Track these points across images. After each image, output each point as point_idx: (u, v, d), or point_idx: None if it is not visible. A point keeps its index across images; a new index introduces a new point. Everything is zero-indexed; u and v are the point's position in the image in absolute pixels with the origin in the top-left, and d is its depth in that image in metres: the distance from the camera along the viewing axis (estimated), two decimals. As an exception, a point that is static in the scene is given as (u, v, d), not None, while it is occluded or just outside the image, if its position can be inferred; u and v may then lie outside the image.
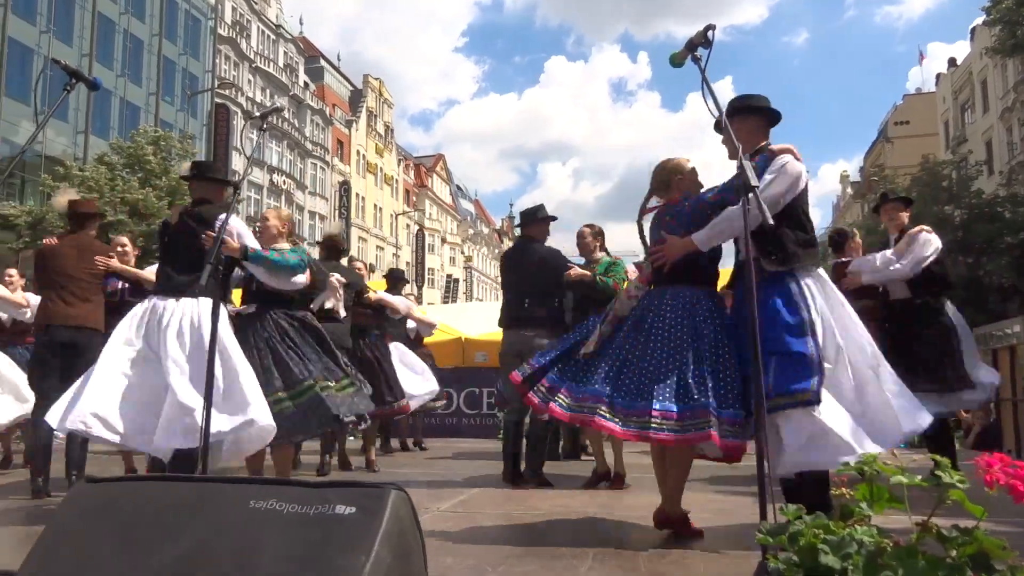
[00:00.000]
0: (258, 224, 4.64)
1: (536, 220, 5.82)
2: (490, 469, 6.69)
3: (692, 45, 2.85)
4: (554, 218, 5.86)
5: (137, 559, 1.56)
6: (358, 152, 50.19)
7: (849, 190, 60.10)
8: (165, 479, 1.78)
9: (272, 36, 42.69)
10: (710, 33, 2.77)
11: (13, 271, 6.26)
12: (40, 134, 26.57)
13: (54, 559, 1.60)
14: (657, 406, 3.02)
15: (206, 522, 1.60)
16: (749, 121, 3.38)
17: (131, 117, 30.83)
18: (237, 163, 36.11)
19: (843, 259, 5.78)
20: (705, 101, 2.69)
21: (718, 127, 3.19)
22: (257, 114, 3.71)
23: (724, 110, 2.70)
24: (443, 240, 61.86)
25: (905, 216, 5.56)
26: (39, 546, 1.64)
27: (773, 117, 3.48)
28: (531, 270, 5.57)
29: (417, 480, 5.94)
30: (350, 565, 1.49)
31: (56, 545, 1.63)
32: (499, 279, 6.38)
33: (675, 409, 3.03)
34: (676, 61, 2.92)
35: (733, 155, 3.12)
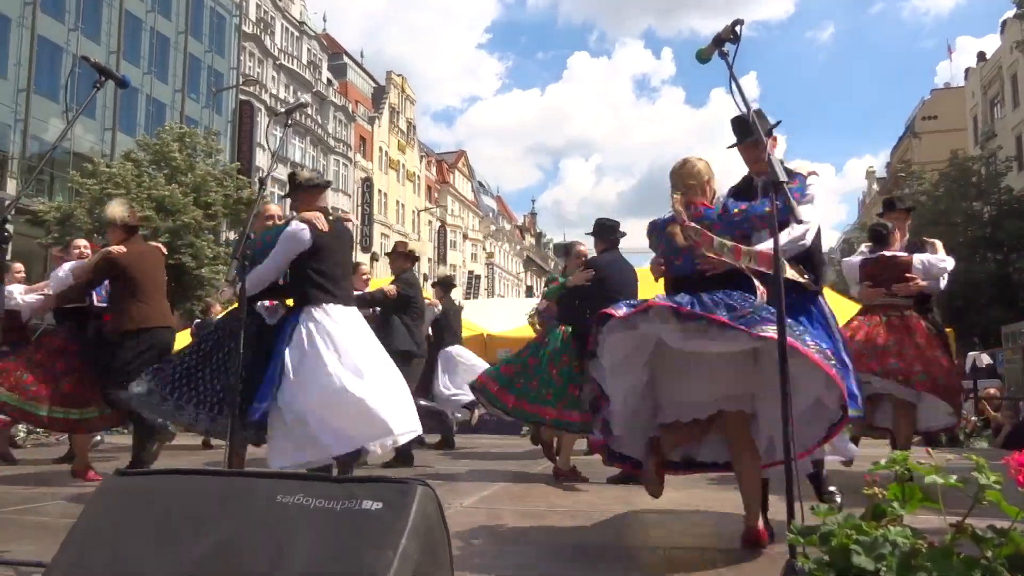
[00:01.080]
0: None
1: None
2: (512, 466, 6.70)
3: (719, 40, 2.82)
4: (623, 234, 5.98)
5: (169, 552, 1.57)
6: (380, 149, 50.38)
7: (875, 186, 59.43)
8: (194, 472, 1.79)
9: (296, 33, 42.94)
10: (738, 28, 2.74)
11: (19, 265, 6.23)
12: (68, 131, 26.90)
13: (86, 552, 1.62)
14: None
15: (235, 516, 1.61)
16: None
17: (157, 114, 31.15)
18: (261, 160, 36.37)
19: (889, 252, 5.55)
20: (733, 97, 2.66)
21: (743, 132, 3.23)
22: (282, 110, 3.73)
23: (751, 108, 2.67)
24: (465, 236, 61.95)
25: (907, 225, 5.56)
26: (71, 538, 1.66)
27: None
28: (626, 278, 5.62)
29: (439, 476, 5.95)
30: (378, 560, 1.49)
31: (88, 538, 1.65)
32: (520, 275, 6.44)
33: None
34: (703, 57, 2.89)
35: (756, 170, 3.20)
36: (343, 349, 4.08)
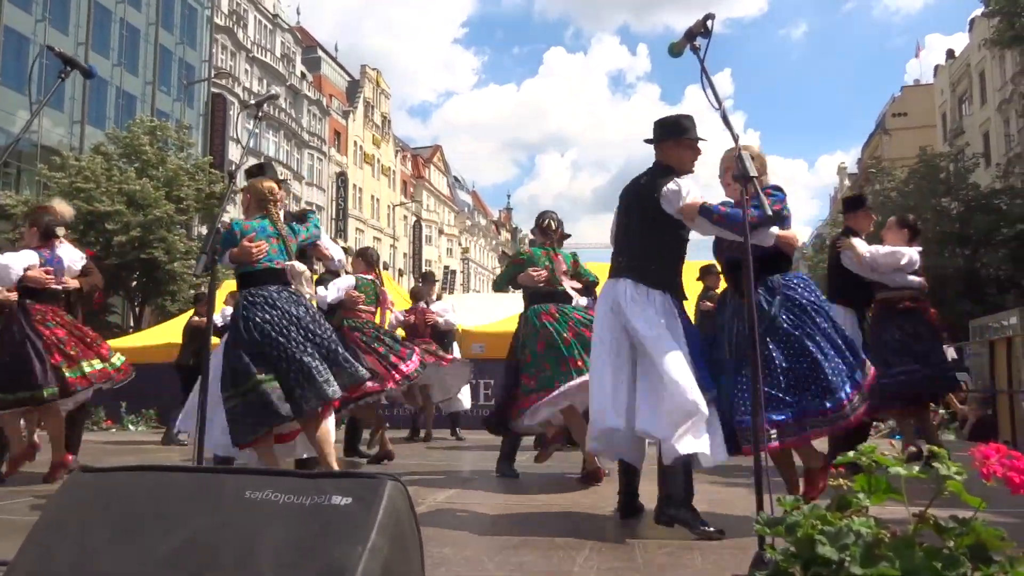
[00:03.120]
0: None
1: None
2: (487, 461, 6.69)
3: (691, 34, 2.83)
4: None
5: (135, 549, 1.55)
6: (355, 143, 50.07)
7: (847, 182, 60.12)
8: (161, 469, 1.77)
9: (269, 26, 42.51)
10: (709, 22, 2.76)
11: None
12: (36, 124, 26.52)
13: (50, 549, 1.59)
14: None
15: (203, 513, 1.59)
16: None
17: (127, 107, 30.73)
18: (234, 153, 35.99)
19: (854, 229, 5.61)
20: (704, 92, 2.67)
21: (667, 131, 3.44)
22: (252, 102, 3.69)
23: (723, 102, 2.68)
24: (440, 231, 61.79)
25: (870, 225, 5.66)
26: (34, 536, 1.63)
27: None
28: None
29: (413, 471, 5.94)
30: (347, 555, 1.48)
31: (52, 535, 1.62)
32: (496, 270, 6.44)
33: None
34: (675, 51, 2.91)
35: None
36: None
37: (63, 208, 5.46)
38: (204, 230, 26.96)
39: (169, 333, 12.70)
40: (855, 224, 5.55)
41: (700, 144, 3.54)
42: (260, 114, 3.60)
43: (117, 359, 5.31)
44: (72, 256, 5.25)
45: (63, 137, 27.40)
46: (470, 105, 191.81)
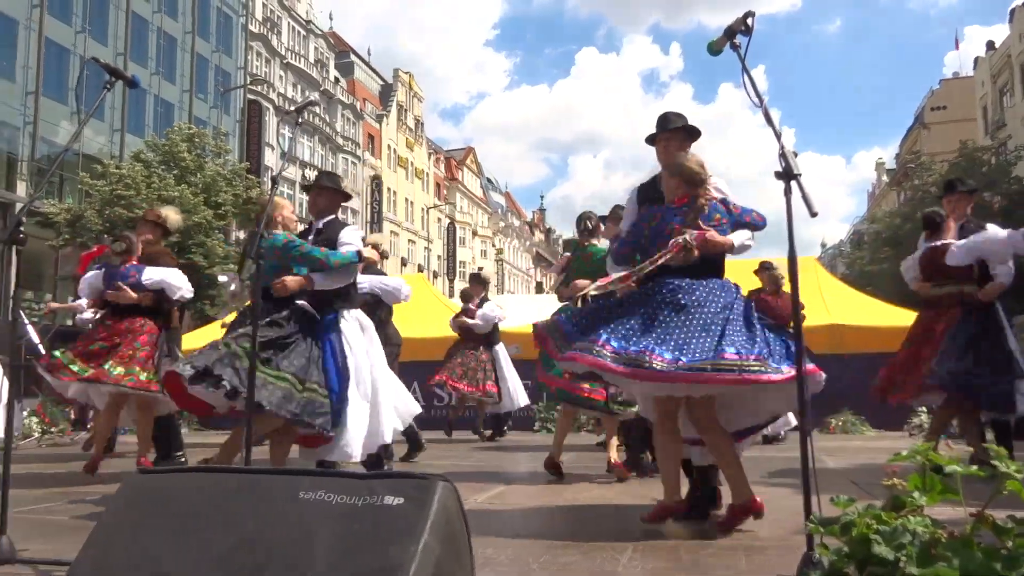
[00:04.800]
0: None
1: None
2: (527, 461, 6.71)
3: (731, 32, 2.82)
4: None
5: (191, 549, 1.59)
6: (389, 146, 50.43)
7: (884, 177, 59.15)
8: (215, 470, 1.80)
9: (302, 32, 43.00)
10: (749, 20, 2.74)
11: None
12: (80, 133, 27.03)
13: (110, 550, 1.63)
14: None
15: (258, 513, 1.62)
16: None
17: (165, 115, 31.29)
18: (269, 159, 36.50)
19: (939, 242, 5.46)
20: (745, 89, 2.65)
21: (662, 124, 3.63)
22: (292, 109, 3.74)
23: (764, 99, 2.66)
24: (474, 233, 61.97)
25: (968, 209, 5.44)
26: (94, 537, 1.68)
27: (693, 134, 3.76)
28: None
29: (454, 471, 5.97)
30: (400, 555, 1.50)
31: (111, 536, 1.66)
32: (530, 271, 6.51)
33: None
34: (714, 49, 2.89)
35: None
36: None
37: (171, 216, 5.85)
38: (242, 234, 27.38)
39: (209, 336, 12.89)
40: (951, 207, 5.39)
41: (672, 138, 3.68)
42: (300, 120, 3.65)
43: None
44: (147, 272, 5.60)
45: (104, 146, 27.98)
46: (502, 107, 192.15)
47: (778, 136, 2.50)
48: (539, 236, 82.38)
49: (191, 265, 22.04)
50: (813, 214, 2.32)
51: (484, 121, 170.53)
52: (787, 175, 2.39)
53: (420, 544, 1.51)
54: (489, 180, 72.71)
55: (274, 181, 3.79)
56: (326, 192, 4.51)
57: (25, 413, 8.53)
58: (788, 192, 2.40)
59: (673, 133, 3.67)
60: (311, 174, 39.74)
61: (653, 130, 3.73)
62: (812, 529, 1.63)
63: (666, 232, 3.29)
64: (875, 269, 31.49)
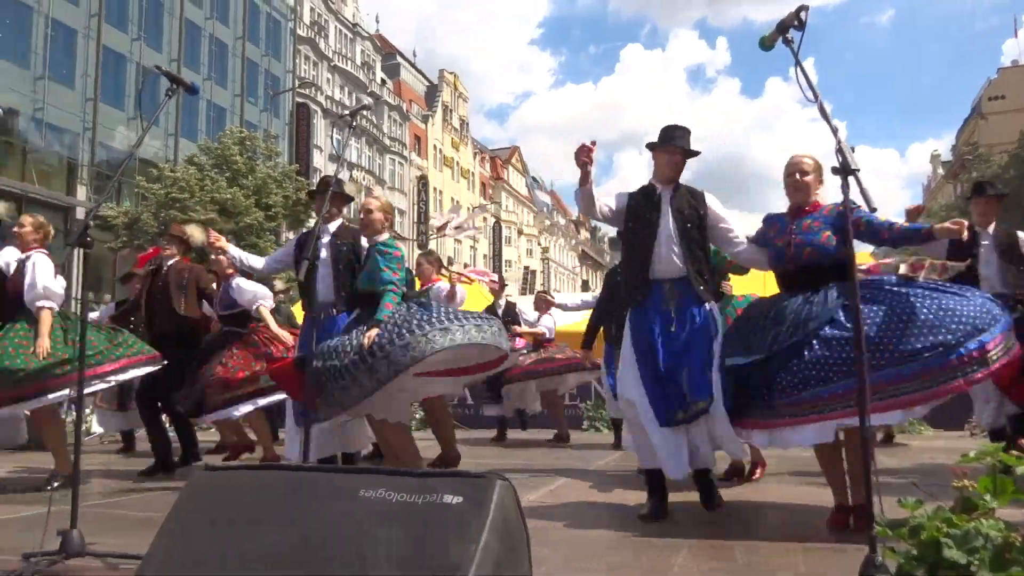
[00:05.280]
0: (360, 215, 4.57)
1: None
2: (574, 460, 6.69)
3: (783, 27, 2.77)
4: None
5: (256, 546, 1.62)
6: (435, 146, 50.76)
7: (940, 170, 57.59)
8: (277, 468, 1.84)
9: (349, 35, 43.50)
10: (803, 14, 2.69)
11: (27, 219, 5.55)
12: (134, 137, 27.83)
13: (179, 544, 1.68)
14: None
15: (320, 511, 1.65)
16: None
17: (218, 119, 31.93)
18: (318, 160, 37.03)
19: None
20: (799, 84, 2.61)
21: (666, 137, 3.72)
22: (346, 113, 3.80)
23: (819, 95, 2.61)
24: (520, 232, 62.01)
25: (996, 213, 5.21)
26: (163, 532, 1.73)
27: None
28: None
29: (502, 470, 5.98)
30: (461, 554, 1.51)
31: (180, 531, 1.71)
32: (576, 270, 6.59)
33: None
34: (766, 44, 2.85)
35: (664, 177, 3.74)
36: None
37: (196, 234, 6.05)
38: (291, 235, 27.81)
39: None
40: (978, 210, 5.18)
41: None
42: (355, 124, 3.70)
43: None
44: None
45: (159, 150, 28.66)
46: (547, 105, 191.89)
47: (834, 131, 2.46)
48: (585, 234, 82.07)
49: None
50: (872, 209, 2.28)
51: (529, 120, 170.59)
52: (844, 170, 2.35)
53: (480, 543, 1.52)
54: (534, 179, 72.66)
55: (327, 184, 3.84)
56: (337, 197, 4.60)
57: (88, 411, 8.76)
58: (846, 188, 2.36)
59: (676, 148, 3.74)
60: (358, 175, 40.27)
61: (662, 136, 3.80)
62: (879, 532, 1.60)
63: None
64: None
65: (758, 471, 5.19)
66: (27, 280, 4.82)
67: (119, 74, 28.38)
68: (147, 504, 4.36)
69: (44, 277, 4.84)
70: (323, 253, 4.43)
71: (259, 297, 5.75)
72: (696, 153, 3.79)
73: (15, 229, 5.18)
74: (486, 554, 1.52)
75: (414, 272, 6.23)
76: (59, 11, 26.10)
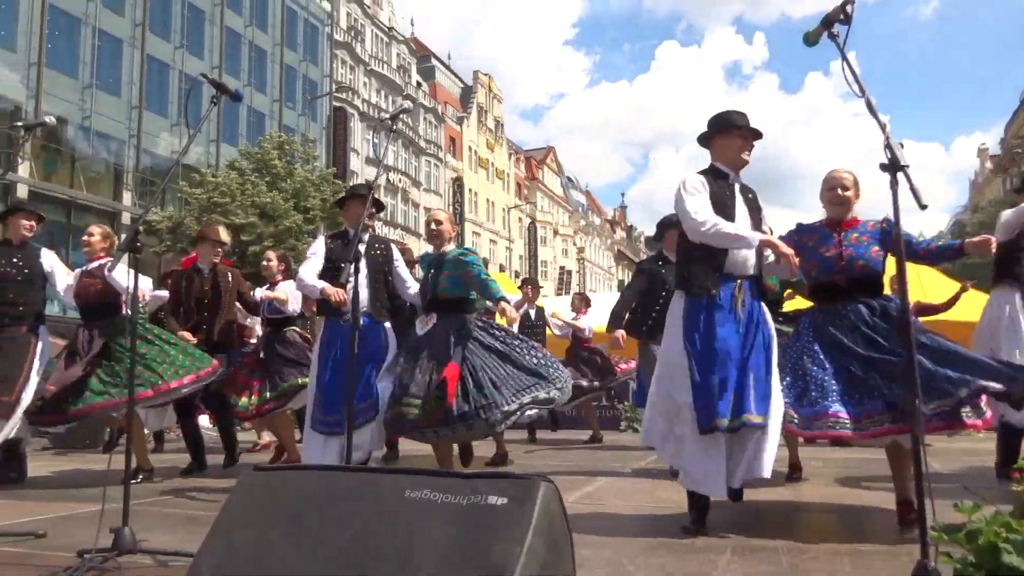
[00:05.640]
0: (432, 226, 4.82)
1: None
2: (613, 460, 6.67)
3: (828, 21, 2.73)
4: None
5: (306, 545, 1.64)
6: (470, 148, 50.92)
7: (988, 164, 56.20)
8: (325, 468, 1.86)
9: (385, 39, 43.84)
10: (849, 7, 2.65)
11: (96, 228, 5.81)
12: (179, 144, 28.39)
13: (230, 544, 1.71)
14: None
15: (367, 511, 1.67)
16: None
17: (257, 124, 32.41)
18: (355, 164, 37.37)
19: None
20: (846, 78, 2.57)
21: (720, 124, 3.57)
22: (387, 116, 3.83)
23: (867, 90, 2.56)
24: (555, 232, 61.94)
25: None
26: (215, 531, 1.76)
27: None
28: None
29: (541, 471, 5.97)
30: (506, 555, 1.52)
31: (231, 530, 1.74)
32: (612, 270, 6.54)
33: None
34: (811, 39, 2.81)
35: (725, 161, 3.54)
36: None
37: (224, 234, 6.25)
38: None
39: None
40: None
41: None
42: (395, 127, 3.72)
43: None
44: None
45: (201, 155, 29.16)
46: (582, 105, 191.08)
47: (882, 126, 2.41)
48: (620, 234, 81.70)
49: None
50: (923, 206, 2.23)
51: (564, 120, 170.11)
52: (893, 166, 2.30)
53: (525, 545, 1.53)
54: (569, 179, 72.52)
55: (371, 188, 3.87)
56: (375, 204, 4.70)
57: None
58: (894, 184, 2.32)
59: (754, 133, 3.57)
60: (395, 178, 40.55)
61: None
62: (935, 536, 1.57)
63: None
64: (979, 261, 29.96)
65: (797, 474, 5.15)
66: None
67: (163, 82, 28.97)
68: (193, 502, 4.44)
69: (143, 284, 5.13)
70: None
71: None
72: (759, 136, 3.62)
73: (84, 238, 5.44)
74: (531, 555, 1.52)
75: None
76: (106, 22, 26.72)
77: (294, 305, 5.68)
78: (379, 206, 4.85)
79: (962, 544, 1.48)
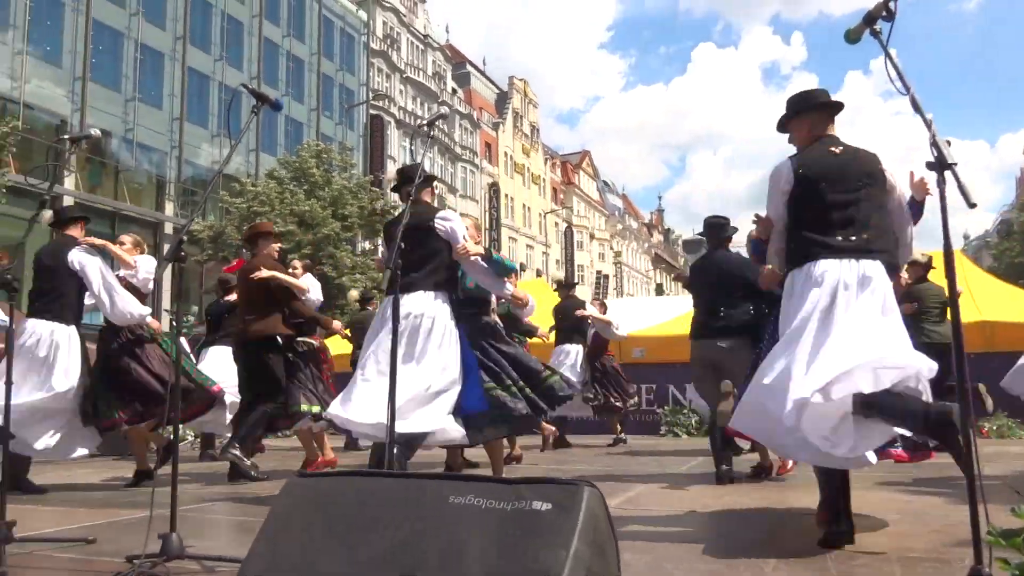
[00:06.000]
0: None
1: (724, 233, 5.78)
2: (653, 466, 6.62)
3: (870, 18, 2.68)
4: (735, 229, 5.80)
5: (351, 550, 1.65)
6: (505, 153, 51.05)
7: (1035, 162, 54.77)
8: (368, 474, 1.87)
9: (421, 46, 44.18)
10: (892, 4, 2.60)
11: (127, 237, 6.03)
12: (220, 154, 28.92)
13: (277, 549, 1.73)
14: None
15: (411, 516, 1.67)
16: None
17: (295, 133, 32.87)
18: (392, 171, 37.65)
19: None
20: (889, 77, 2.52)
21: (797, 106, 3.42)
22: (423, 123, 3.84)
23: (911, 87, 2.51)
24: (592, 236, 61.79)
25: None
26: (262, 536, 1.77)
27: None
28: (719, 279, 5.51)
29: (582, 476, 5.95)
30: (551, 561, 1.51)
31: (277, 536, 1.76)
32: (649, 273, 6.45)
33: None
34: (852, 37, 2.76)
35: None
36: None
37: None
38: (367, 245, 28.38)
39: (339, 345, 13.39)
40: None
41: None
42: (432, 134, 3.74)
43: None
44: None
45: (240, 165, 29.67)
46: (618, 108, 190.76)
47: (928, 124, 2.36)
48: (658, 237, 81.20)
49: (321, 276, 23.02)
50: (971, 205, 2.17)
51: (600, 124, 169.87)
52: (940, 165, 2.25)
53: (571, 550, 1.52)
54: (606, 183, 72.30)
55: (409, 195, 3.89)
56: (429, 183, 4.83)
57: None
58: (942, 183, 2.26)
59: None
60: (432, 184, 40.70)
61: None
62: (992, 541, 1.53)
63: None
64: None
65: (789, 464, 5.29)
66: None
67: (203, 94, 29.56)
68: (237, 508, 4.50)
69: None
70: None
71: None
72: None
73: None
74: (577, 561, 1.52)
75: None
76: (147, 36, 27.35)
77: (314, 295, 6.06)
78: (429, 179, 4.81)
79: (1020, 549, 1.44)
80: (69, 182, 23.87)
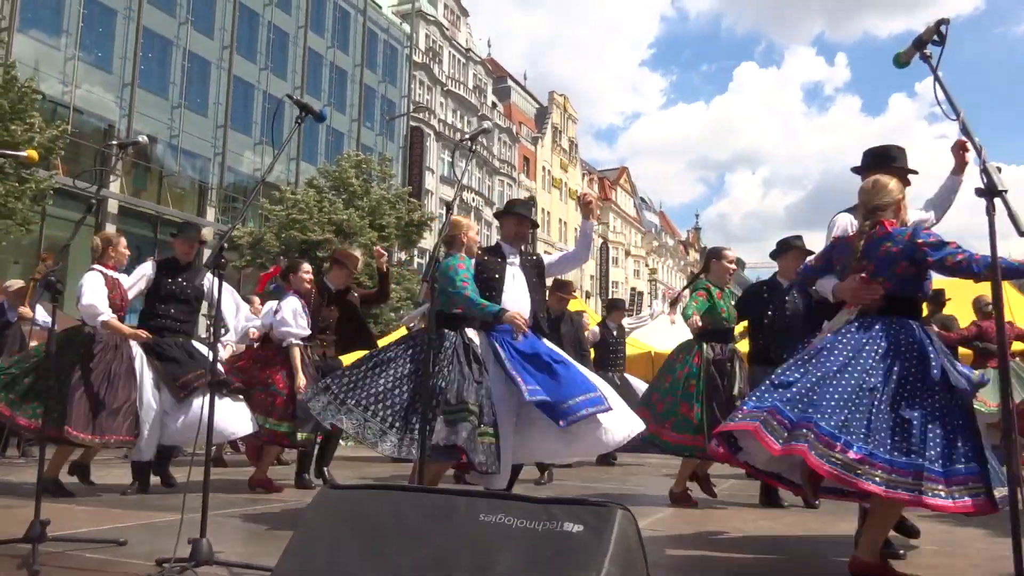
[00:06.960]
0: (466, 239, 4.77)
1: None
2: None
3: (920, 43, 2.65)
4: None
5: (379, 564, 1.65)
6: (543, 168, 51.14)
7: (1085, 190, 53.57)
8: (399, 489, 1.87)
9: (462, 60, 44.51)
10: (943, 28, 2.56)
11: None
12: (259, 161, 29.38)
13: (306, 560, 1.73)
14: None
15: (439, 532, 1.66)
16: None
17: (336, 143, 33.24)
18: (430, 183, 37.96)
19: None
20: (938, 101, 2.48)
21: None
22: (466, 137, 3.86)
23: (961, 113, 2.47)
24: (627, 253, 61.51)
25: None
26: (292, 547, 1.78)
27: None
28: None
29: (612, 495, 5.90)
30: (582, 583, 1.49)
31: (307, 547, 1.76)
32: (686, 292, 6.26)
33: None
34: (901, 61, 2.73)
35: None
36: None
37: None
38: (404, 256, 28.59)
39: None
40: None
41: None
42: (474, 148, 3.76)
43: None
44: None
45: (280, 173, 30.07)
46: (657, 126, 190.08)
47: (978, 149, 2.32)
48: (693, 255, 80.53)
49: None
50: (1022, 233, 2.12)
51: (638, 141, 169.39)
52: (990, 192, 2.20)
53: (602, 573, 1.50)
54: (643, 200, 72.02)
55: (448, 207, 3.91)
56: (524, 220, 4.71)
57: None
58: (991, 210, 2.21)
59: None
60: (468, 196, 40.96)
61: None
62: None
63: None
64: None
65: None
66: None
67: (247, 102, 30.06)
68: (269, 516, 4.52)
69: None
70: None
71: None
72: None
73: (121, 249, 5.50)
74: (608, 585, 1.49)
75: None
76: (195, 44, 27.93)
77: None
78: (533, 224, 4.80)
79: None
80: (115, 186, 24.40)
